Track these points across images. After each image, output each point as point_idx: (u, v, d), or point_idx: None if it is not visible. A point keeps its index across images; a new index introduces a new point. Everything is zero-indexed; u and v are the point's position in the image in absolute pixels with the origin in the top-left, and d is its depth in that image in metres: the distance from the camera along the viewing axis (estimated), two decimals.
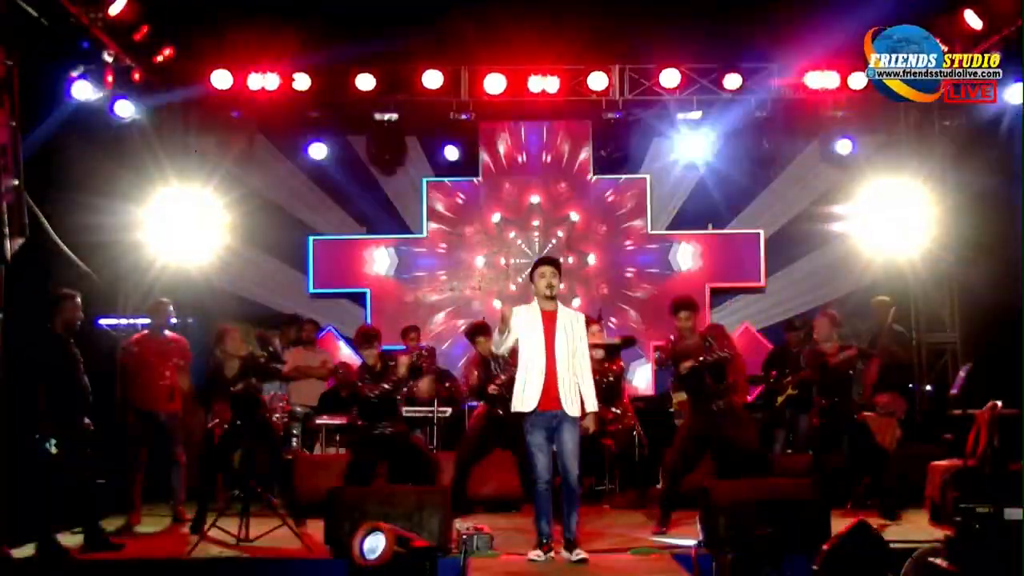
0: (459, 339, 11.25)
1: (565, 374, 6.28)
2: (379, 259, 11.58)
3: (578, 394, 6.33)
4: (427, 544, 5.53)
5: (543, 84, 10.39)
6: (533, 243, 11.64)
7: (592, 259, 11.72)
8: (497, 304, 11.34)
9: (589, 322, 7.46)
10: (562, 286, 6.67)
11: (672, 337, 7.67)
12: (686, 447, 7.48)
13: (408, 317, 11.05)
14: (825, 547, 5.19)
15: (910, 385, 10.19)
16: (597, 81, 10.43)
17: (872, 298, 10.05)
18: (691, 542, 6.51)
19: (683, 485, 7.50)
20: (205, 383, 7.83)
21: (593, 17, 10.15)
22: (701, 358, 7.32)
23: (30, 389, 6.50)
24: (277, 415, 9.02)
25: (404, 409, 8.36)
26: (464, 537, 6.43)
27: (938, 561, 4.85)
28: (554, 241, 11.64)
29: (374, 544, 5.22)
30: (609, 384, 8.86)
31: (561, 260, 11.11)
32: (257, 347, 9.45)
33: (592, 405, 6.41)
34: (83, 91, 9.05)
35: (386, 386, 7.51)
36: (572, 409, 6.29)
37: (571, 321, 6.42)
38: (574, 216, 11.68)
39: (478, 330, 8.52)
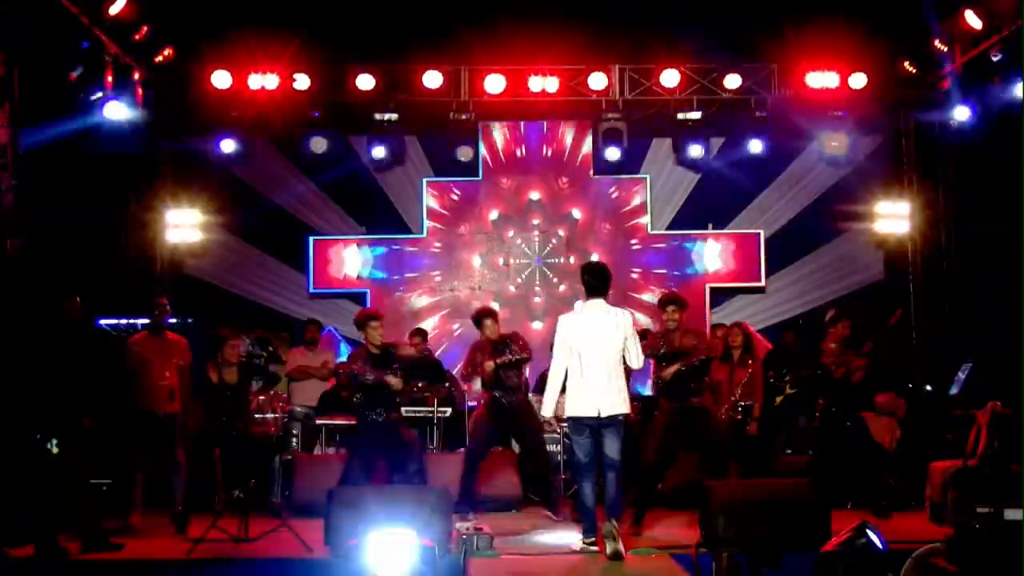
0: (457, 340, 11.25)
1: (605, 373, 6.47)
2: (379, 259, 11.55)
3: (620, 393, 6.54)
4: (428, 544, 5.53)
5: (543, 84, 10.38)
6: (533, 243, 11.59)
7: (595, 259, 11.64)
8: (496, 306, 11.33)
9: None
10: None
11: (656, 329, 7.69)
12: (662, 446, 7.52)
13: (407, 318, 11.04)
14: (833, 540, 5.20)
15: (910, 385, 10.19)
16: (597, 81, 10.42)
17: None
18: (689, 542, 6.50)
19: (662, 484, 7.71)
20: (202, 387, 7.87)
21: (593, 17, 10.14)
22: (689, 362, 7.36)
23: (30, 389, 6.49)
24: (276, 415, 9.01)
25: (404, 409, 8.36)
26: (464, 537, 6.43)
27: (938, 561, 4.85)
28: (555, 241, 11.59)
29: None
30: None
31: (562, 260, 11.35)
32: (256, 347, 9.46)
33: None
34: (83, 91, 9.04)
35: (369, 376, 7.48)
36: (609, 409, 6.48)
37: (610, 320, 6.57)
38: (576, 214, 11.65)
39: (485, 314, 8.46)
